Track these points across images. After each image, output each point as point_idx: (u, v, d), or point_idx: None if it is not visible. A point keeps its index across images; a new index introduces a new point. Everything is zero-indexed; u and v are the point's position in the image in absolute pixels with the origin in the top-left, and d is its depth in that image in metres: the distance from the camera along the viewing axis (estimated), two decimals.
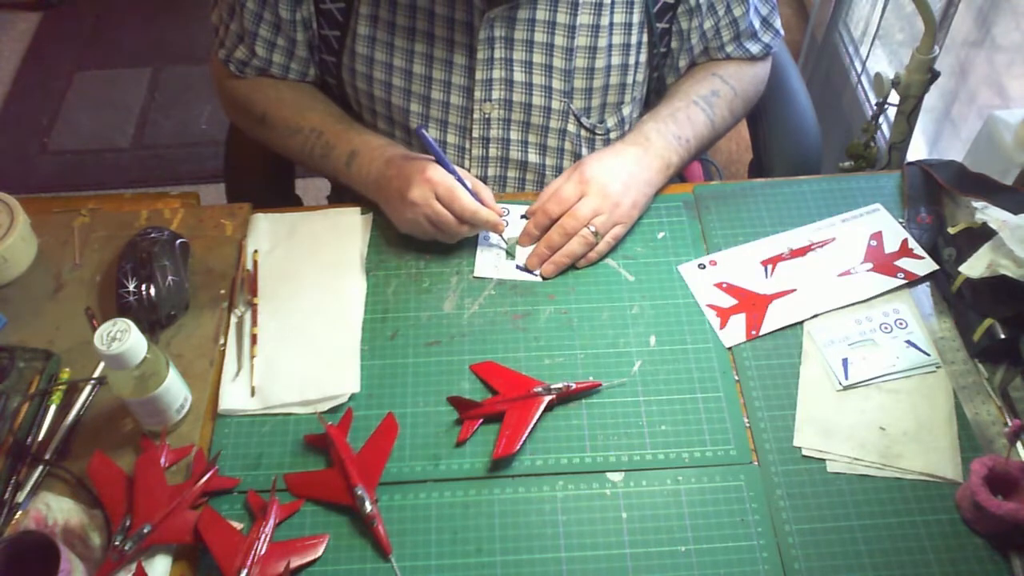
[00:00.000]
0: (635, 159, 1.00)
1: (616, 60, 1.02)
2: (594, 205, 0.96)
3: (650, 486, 0.82)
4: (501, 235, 0.99)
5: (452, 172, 0.94)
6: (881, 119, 1.50)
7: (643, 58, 1.04)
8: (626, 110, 1.08)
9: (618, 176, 0.98)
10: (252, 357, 0.90)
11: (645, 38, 1.03)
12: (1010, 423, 0.83)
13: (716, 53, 1.10)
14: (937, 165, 1.03)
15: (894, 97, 1.38)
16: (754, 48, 1.10)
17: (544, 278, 0.97)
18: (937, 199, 1.02)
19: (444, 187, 0.93)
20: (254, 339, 0.91)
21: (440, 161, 0.94)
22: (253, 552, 0.75)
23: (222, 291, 0.96)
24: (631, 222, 0.99)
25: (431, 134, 1.05)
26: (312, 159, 1.04)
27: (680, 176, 1.04)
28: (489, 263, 0.98)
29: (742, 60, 1.11)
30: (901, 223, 1.01)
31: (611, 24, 0.99)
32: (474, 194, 0.95)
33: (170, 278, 0.92)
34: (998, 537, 0.78)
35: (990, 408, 0.86)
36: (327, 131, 1.02)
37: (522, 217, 1.02)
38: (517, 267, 0.98)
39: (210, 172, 2.25)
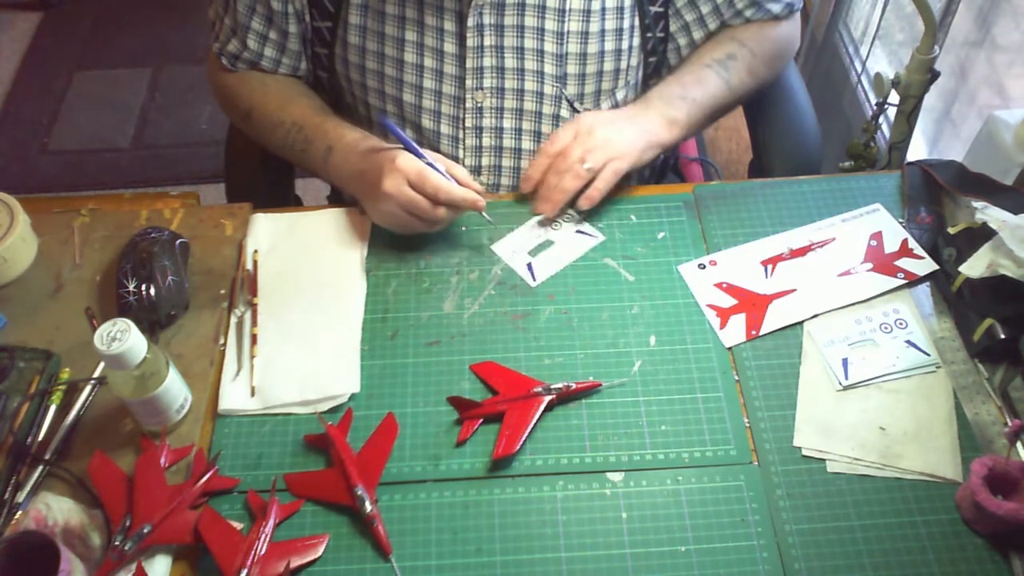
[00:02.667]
0: (631, 114, 1.02)
1: (609, 45, 1.02)
2: (585, 144, 0.98)
3: (650, 486, 0.82)
4: (483, 212, 0.97)
5: (420, 156, 0.94)
6: (881, 119, 1.50)
7: (636, 42, 1.04)
8: (620, 95, 1.08)
9: (611, 120, 1.00)
10: (252, 357, 0.90)
11: (637, 22, 1.03)
12: (1010, 423, 0.83)
13: (734, 20, 1.09)
14: (937, 165, 1.03)
15: (894, 97, 1.38)
16: (775, 8, 1.09)
17: (551, 218, 1.00)
18: (937, 199, 1.02)
19: (413, 171, 0.93)
20: (254, 339, 0.91)
21: (408, 147, 0.94)
22: (253, 552, 0.75)
23: (222, 291, 0.96)
24: (630, 159, 0.99)
25: (426, 124, 1.06)
26: (294, 154, 1.05)
27: (680, 176, 1.05)
28: (507, 247, 0.99)
29: (764, 22, 1.10)
30: (901, 223, 1.01)
31: (603, 9, 1.00)
32: (448, 175, 0.94)
33: (170, 278, 0.92)
34: (998, 537, 0.78)
35: (990, 408, 0.86)
36: (306, 125, 1.03)
37: (535, 217, 1.02)
38: (527, 264, 0.98)
39: (210, 172, 2.25)
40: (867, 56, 1.88)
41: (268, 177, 1.23)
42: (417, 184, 0.93)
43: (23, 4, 2.74)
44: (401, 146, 0.95)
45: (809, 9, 2.19)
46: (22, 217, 0.96)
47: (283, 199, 1.26)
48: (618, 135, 0.99)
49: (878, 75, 1.38)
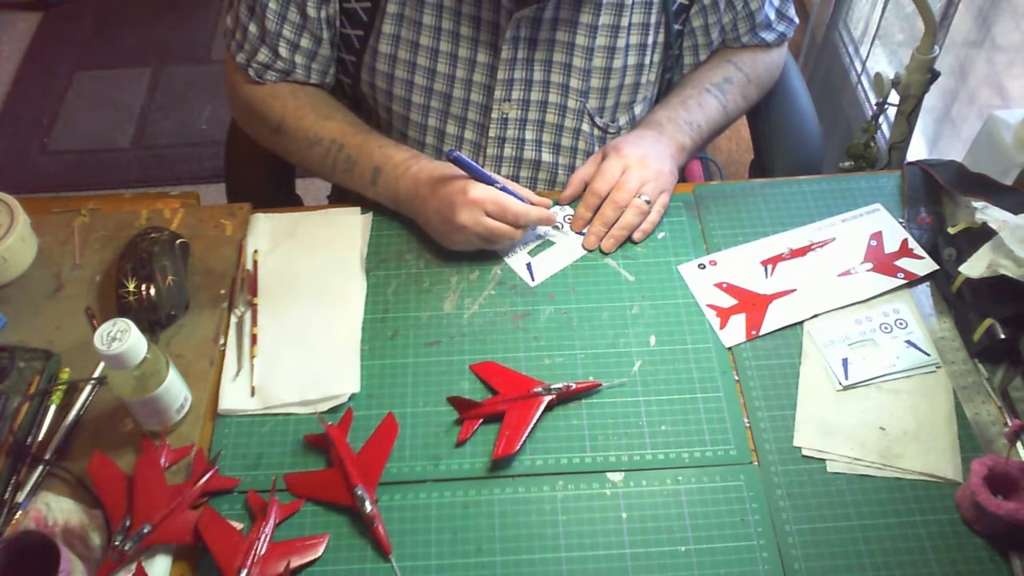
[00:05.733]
0: (654, 139, 1.03)
1: (632, 60, 1.03)
2: (640, 175, 0.99)
3: (650, 486, 0.82)
4: (554, 224, 1.00)
5: (492, 182, 0.94)
6: (881, 119, 1.50)
7: (657, 58, 1.06)
8: (638, 109, 1.09)
9: (649, 149, 1.01)
10: (252, 357, 0.90)
11: (661, 38, 1.05)
12: (1010, 423, 0.83)
13: (732, 43, 1.13)
14: (937, 165, 1.03)
15: (894, 97, 1.38)
16: (769, 37, 1.13)
17: (605, 253, 0.99)
18: (937, 199, 1.02)
19: (492, 202, 0.93)
20: (254, 339, 0.91)
21: (479, 176, 0.94)
22: (253, 552, 0.75)
23: (222, 291, 0.96)
24: (672, 188, 1.02)
25: (450, 131, 1.06)
26: (335, 173, 1.02)
27: (680, 176, 1.05)
28: (506, 249, 0.99)
29: (757, 48, 1.14)
30: (901, 223, 1.01)
31: (630, 24, 1.01)
32: (518, 195, 0.96)
33: (170, 278, 0.92)
34: (998, 537, 0.78)
35: (990, 408, 0.86)
36: (347, 143, 1.00)
37: (558, 206, 1.03)
38: (527, 264, 0.98)
39: (210, 172, 2.25)
40: (867, 56, 1.88)
41: (268, 177, 1.23)
42: (497, 214, 0.93)
43: (23, 4, 2.74)
44: (463, 174, 0.94)
45: (809, 9, 2.19)
46: (22, 217, 0.96)
47: (283, 199, 1.26)
48: (660, 164, 1.01)
49: (878, 75, 1.38)
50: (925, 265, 0.96)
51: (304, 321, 0.93)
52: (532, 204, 0.97)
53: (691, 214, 1.03)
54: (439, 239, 0.98)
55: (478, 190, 0.93)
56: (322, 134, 1.01)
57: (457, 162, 0.92)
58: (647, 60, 1.04)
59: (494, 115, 1.03)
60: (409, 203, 0.98)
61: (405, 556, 0.78)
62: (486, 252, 0.99)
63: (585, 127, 1.06)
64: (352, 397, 0.88)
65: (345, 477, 0.80)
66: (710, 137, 1.11)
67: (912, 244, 0.98)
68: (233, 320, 0.93)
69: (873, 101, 1.47)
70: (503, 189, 0.95)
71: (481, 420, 0.85)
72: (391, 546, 0.78)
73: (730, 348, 0.91)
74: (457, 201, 0.92)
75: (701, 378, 0.89)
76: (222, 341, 0.92)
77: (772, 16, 1.11)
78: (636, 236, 0.99)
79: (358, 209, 1.03)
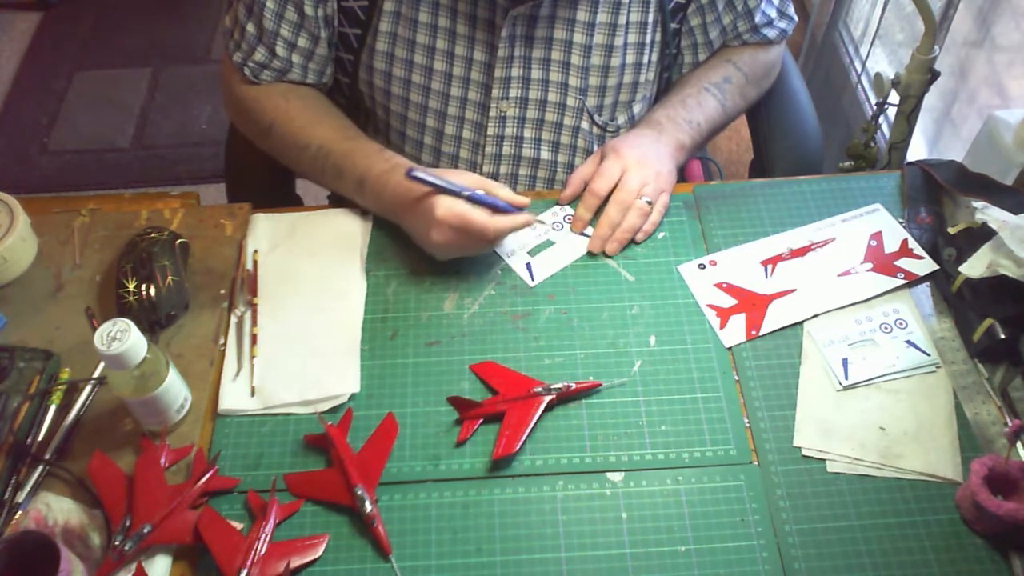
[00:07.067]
0: (654, 139, 1.03)
1: (631, 59, 1.03)
2: (640, 176, 0.98)
3: (650, 486, 0.82)
4: (535, 224, 0.99)
5: (459, 192, 0.90)
6: (881, 119, 1.50)
7: (655, 57, 1.06)
8: (636, 108, 1.09)
9: (648, 150, 1.01)
10: (252, 357, 0.90)
11: (659, 37, 1.05)
12: (1010, 423, 0.83)
13: (732, 42, 1.13)
14: (937, 165, 1.03)
15: (894, 97, 1.38)
16: (771, 34, 1.13)
17: (608, 256, 0.98)
18: (937, 199, 1.02)
19: (456, 220, 0.90)
20: (254, 339, 0.91)
21: (444, 189, 0.90)
22: (253, 552, 0.75)
23: (222, 291, 0.96)
24: (672, 188, 1.02)
25: (449, 131, 1.05)
26: (325, 178, 1.02)
27: (680, 176, 1.05)
28: (507, 247, 0.99)
29: (757, 46, 1.14)
30: (901, 223, 1.01)
31: (627, 23, 1.01)
32: (492, 199, 0.92)
33: (170, 278, 0.92)
34: (998, 537, 0.78)
35: (990, 408, 0.86)
36: (334, 150, 0.99)
37: (559, 206, 1.03)
38: (527, 264, 0.98)
39: (210, 172, 2.25)
40: (867, 56, 1.88)
41: (268, 177, 1.23)
42: (462, 231, 0.91)
43: (23, 4, 2.74)
44: (430, 190, 0.91)
45: (809, 9, 2.20)
46: (22, 217, 0.96)
47: (283, 199, 1.26)
48: (660, 164, 1.01)
49: (878, 75, 1.38)
50: (925, 265, 0.96)
51: (304, 321, 0.93)
52: (512, 204, 0.94)
53: (691, 214, 1.03)
54: (429, 252, 0.97)
55: (442, 208, 0.90)
56: (309, 140, 1.01)
57: (417, 181, 0.90)
58: (645, 59, 1.04)
59: (492, 113, 1.03)
60: (393, 216, 0.98)
61: (405, 556, 0.78)
62: (486, 252, 0.99)
63: (584, 125, 1.06)
64: (352, 397, 0.88)
65: (345, 477, 0.80)
66: (709, 136, 1.11)
67: (912, 244, 0.98)
68: (233, 320, 0.93)
69: (873, 101, 1.47)
70: (473, 196, 0.91)
71: (481, 420, 0.85)
72: (391, 546, 0.78)
73: (730, 348, 0.91)
74: (429, 219, 0.91)
75: (701, 378, 0.89)
76: (222, 341, 0.92)
77: (772, 14, 1.11)
78: (638, 237, 0.99)
79: (358, 209, 1.03)
